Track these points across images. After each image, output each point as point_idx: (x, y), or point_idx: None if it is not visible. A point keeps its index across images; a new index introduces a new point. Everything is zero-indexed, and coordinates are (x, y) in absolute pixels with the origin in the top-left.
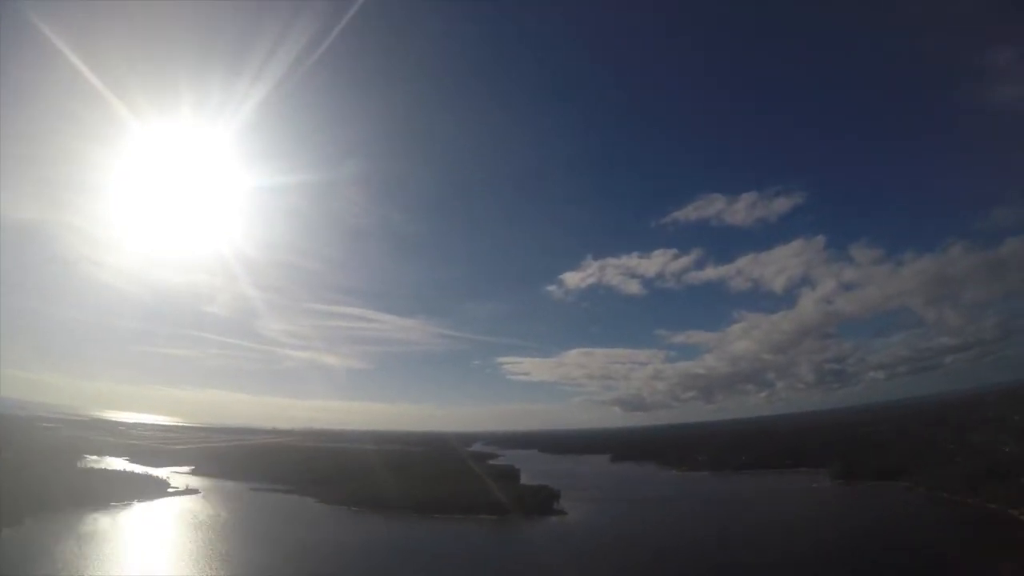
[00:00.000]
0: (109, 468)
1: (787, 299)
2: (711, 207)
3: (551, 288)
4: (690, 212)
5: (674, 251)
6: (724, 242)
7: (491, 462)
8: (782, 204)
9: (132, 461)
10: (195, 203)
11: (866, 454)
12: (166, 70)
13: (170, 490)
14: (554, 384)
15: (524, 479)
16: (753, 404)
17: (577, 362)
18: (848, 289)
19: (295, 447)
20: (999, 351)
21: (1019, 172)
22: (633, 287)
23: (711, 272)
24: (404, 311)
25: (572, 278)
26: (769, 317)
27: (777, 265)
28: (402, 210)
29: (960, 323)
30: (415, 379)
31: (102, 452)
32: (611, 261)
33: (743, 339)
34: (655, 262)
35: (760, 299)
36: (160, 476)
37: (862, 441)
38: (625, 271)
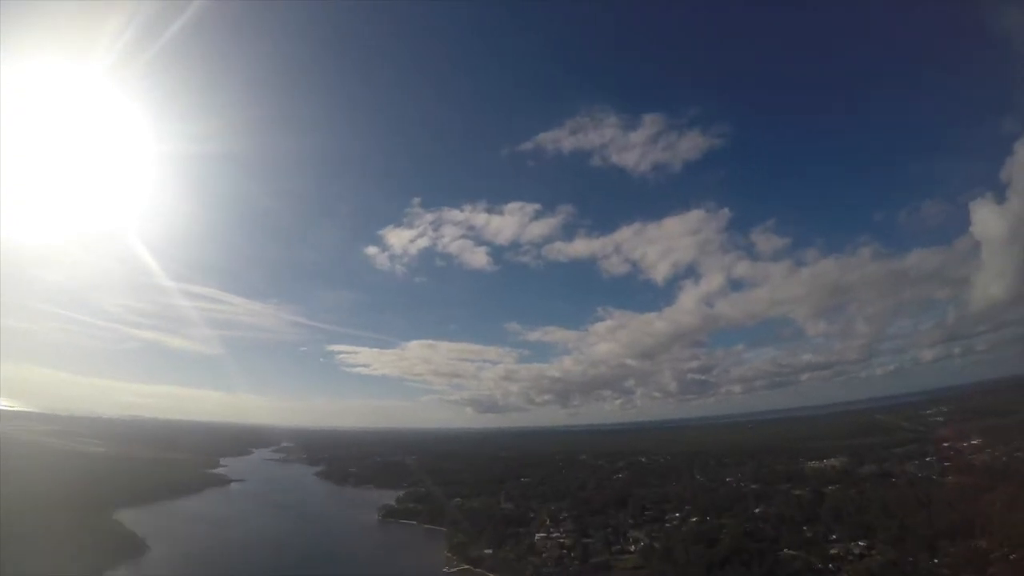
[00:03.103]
0: None
1: (666, 293)
2: (597, 131)
3: (372, 251)
4: (565, 136)
5: (536, 206)
6: (606, 197)
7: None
8: (693, 144)
9: None
10: (42, 154)
11: None
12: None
13: None
14: (399, 380)
15: None
16: (608, 410)
17: (420, 355)
18: (736, 288)
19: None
20: (853, 372)
21: (966, 167)
22: (479, 258)
23: (581, 246)
24: (257, 294)
25: (397, 237)
26: (640, 316)
27: (665, 243)
28: (261, 184)
29: (833, 340)
30: (263, 368)
31: None
32: (449, 214)
33: (607, 341)
34: (509, 221)
35: (635, 291)
36: None
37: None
38: (468, 232)
